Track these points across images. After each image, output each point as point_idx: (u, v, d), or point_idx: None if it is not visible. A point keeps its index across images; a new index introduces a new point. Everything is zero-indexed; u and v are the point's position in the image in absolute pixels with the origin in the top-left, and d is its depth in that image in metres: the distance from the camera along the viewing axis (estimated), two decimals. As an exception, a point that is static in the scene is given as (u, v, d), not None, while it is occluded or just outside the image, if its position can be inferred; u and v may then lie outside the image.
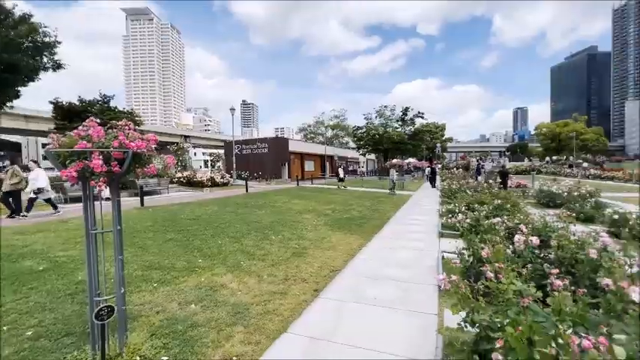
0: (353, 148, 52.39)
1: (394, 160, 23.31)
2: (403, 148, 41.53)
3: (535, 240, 4.10)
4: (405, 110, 42.78)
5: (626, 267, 3.17)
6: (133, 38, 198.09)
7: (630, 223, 6.89)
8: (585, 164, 40.95)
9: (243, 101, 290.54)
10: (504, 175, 16.47)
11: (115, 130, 2.41)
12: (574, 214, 8.10)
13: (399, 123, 43.24)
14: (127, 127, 2.44)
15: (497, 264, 2.34)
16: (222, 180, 22.61)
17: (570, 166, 41.01)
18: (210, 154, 47.68)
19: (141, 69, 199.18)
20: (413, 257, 5.79)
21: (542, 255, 4.19)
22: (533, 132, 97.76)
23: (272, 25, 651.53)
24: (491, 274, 2.30)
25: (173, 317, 3.44)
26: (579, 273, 3.39)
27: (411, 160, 40.10)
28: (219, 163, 40.32)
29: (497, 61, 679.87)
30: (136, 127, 2.76)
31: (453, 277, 2.37)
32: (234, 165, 27.58)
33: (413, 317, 3.54)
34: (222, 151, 39.54)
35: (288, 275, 4.84)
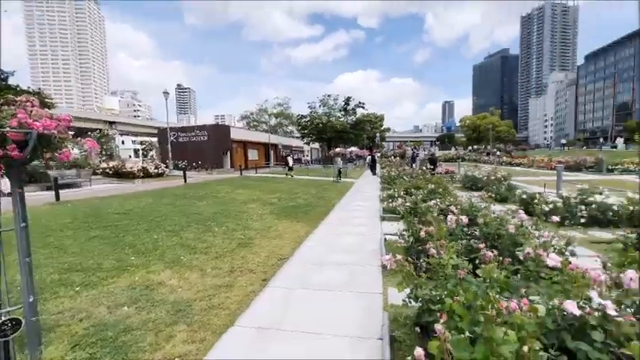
0: (297, 137, 52.34)
1: (337, 149, 23.92)
2: (346, 137, 42.73)
3: (465, 219, 4.53)
4: (347, 100, 43.89)
5: (536, 239, 3.69)
6: (38, 2, 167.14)
7: (535, 201, 8.07)
8: (498, 152, 46.82)
9: (178, 85, 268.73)
10: (434, 162, 18.28)
11: (12, 106, 1.97)
12: (492, 196, 9.22)
13: (342, 112, 44.27)
14: (29, 104, 2.01)
15: (440, 241, 2.51)
16: (156, 170, 20.78)
17: (488, 154, 46.53)
18: (142, 143, 43.24)
19: (50, 43, 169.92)
20: (357, 241, 6.01)
21: (469, 232, 4.67)
22: (458, 124, 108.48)
23: (209, 4, 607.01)
24: (434, 251, 2.46)
25: (101, 323, 3.05)
26: (501, 246, 3.84)
27: (353, 148, 41.49)
28: (153, 152, 36.90)
29: (430, 57, 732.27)
30: (46, 109, 2.29)
31: (399, 257, 2.48)
32: (170, 154, 25.52)
33: (359, 298, 3.66)
34: (155, 139, 36.19)
35: (234, 267, 4.64)
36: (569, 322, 1.80)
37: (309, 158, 55.30)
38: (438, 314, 2.01)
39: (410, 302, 2.54)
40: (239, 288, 3.93)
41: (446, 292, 2.32)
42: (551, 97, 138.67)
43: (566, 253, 3.41)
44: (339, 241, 6.09)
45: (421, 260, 2.63)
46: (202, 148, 30.10)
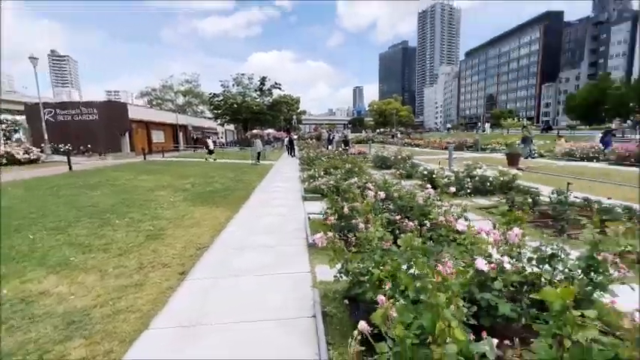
0: (210, 118, 48.57)
1: (255, 131, 23.09)
2: (262, 118, 41.55)
3: (382, 194, 4.87)
4: (263, 80, 42.39)
5: (439, 208, 4.20)
6: None
7: (434, 176, 9.26)
8: (399, 135, 52.25)
9: (53, 52, 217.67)
10: (346, 143, 19.60)
11: None
12: (401, 173, 10.21)
13: (258, 93, 42.67)
14: None
15: (367, 215, 2.60)
16: (27, 156, 16.76)
17: (392, 137, 51.45)
18: (3, 121, 33.90)
19: None
20: (280, 222, 5.94)
21: (384, 206, 5.05)
22: (367, 108, 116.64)
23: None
24: (362, 225, 2.53)
25: (-49, 356, 2.30)
26: (413, 216, 4.26)
27: (271, 130, 40.81)
28: (20, 134, 29.35)
29: (342, 42, 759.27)
30: None
31: (330, 234, 2.48)
32: (46, 136, 20.72)
33: (288, 279, 3.62)
34: (22, 118, 28.77)
35: (143, 263, 4.06)
36: (477, 278, 2.06)
37: (223, 140, 52.21)
38: (386, 285, 2.06)
39: (341, 277, 2.59)
40: (152, 285, 3.45)
41: (373, 264, 2.43)
42: (440, 87, 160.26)
43: (463, 217, 3.98)
44: (262, 223, 5.92)
45: (350, 235, 2.69)
46: (91, 128, 25.43)
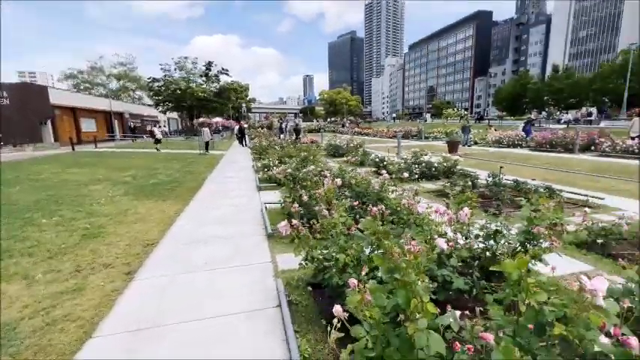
0: (149, 105, 44.59)
1: (202, 119, 21.71)
2: (209, 106, 39.31)
3: (339, 181, 4.95)
4: (209, 65, 39.88)
5: (396, 193, 4.39)
6: None
7: (385, 163, 9.66)
8: (349, 124, 53.53)
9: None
10: (298, 132, 19.65)
11: None
12: (353, 160, 10.47)
13: (203, 79, 40.11)
14: None
15: (332, 201, 2.59)
16: None
17: (343, 126, 52.50)
18: None
19: None
20: (236, 213, 5.73)
21: (340, 193, 5.14)
22: (318, 97, 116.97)
23: None
24: (326, 212, 2.52)
25: None
26: (370, 201, 4.39)
27: (218, 119, 38.83)
28: None
29: (292, 30, 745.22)
30: None
31: (295, 222, 2.44)
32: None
33: (248, 271, 3.51)
34: None
35: (80, 265, 3.62)
36: (437, 255, 2.19)
37: (166, 129, 48.50)
38: (361, 271, 2.05)
39: (306, 264, 2.57)
40: (94, 289, 3.10)
41: (337, 250, 2.45)
42: (387, 78, 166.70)
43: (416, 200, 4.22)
44: (216, 215, 5.65)
45: (313, 222, 2.67)
46: (2, 115, 21.74)
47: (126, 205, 6.20)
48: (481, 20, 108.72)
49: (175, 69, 38.76)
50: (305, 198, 4.10)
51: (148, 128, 34.42)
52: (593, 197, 5.77)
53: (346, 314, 1.41)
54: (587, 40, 74.63)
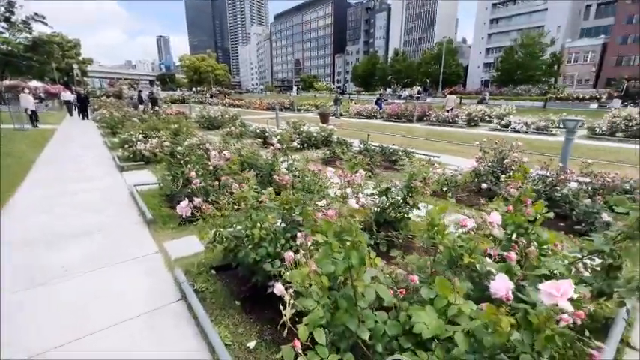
0: None
1: (9, 82, 15.53)
2: (20, 64, 28.87)
3: (227, 154, 4.60)
4: (11, 5, 28.68)
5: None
6: None
7: (266, 134, 9.55)
8: (218, 94, 50.08)
9: None
10: (155, 101, 17.36)
11: None
12: (235, 132, 9.91)
13: (3, 25, 28.80)
14: None
15: (243, 174, 2.34)
16: None
17: (211, 96, 48.53)
18: None
19: None
20: (100, 199, 4.60)
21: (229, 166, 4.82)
22: (178, 63, 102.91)
23: None
24: (236, 185, 2.28)
25: None
26: (264, 172, 4.27)
27: (38, 83, 29.17)
28: None
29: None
30: None
31: (198, 200, 2.11)
32: None
33: (135, 266, 2.92)
34: None
35: None
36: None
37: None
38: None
39: (215, 246, 2.31)
40: None
41: (249, 223, 2.29)
42: (254, 48, 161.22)
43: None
44: (75, 203, 4.40)
45: (217, 199, 2.38)
46: None
47: None
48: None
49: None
50: (192, 174, 3.61)
51: None
52: (433, 156, 7.35)
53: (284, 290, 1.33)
54: (414, 30, 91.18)
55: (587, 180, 3.99)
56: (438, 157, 7.53)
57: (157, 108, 17.57)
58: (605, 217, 3.12)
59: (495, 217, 1.36)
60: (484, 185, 4.06)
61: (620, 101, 21.84)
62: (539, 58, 37.81)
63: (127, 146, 7.10)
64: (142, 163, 6.67)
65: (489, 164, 4.79)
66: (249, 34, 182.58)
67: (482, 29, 63.99)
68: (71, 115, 18.30)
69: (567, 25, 51.72)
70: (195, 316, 2.19)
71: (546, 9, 53.85)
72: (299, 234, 2.06)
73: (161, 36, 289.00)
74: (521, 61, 38.31)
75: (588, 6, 51.87)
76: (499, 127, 14.08)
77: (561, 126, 14.01)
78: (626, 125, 11.88)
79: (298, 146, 8.51)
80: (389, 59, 70.00)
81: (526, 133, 12.63)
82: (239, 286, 2.61)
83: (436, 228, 1.46)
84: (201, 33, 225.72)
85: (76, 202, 4.53)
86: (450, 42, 55.57)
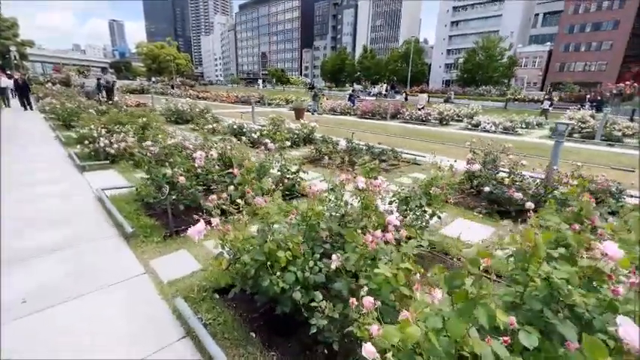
0: None
1: None
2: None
3: (214, 153, 4.16)
4: None
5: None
6: None
7: (244, 130, 9.00)
8: (181, 85, 47.32)
9: None
10: (109, 90, 15.96)
11: None
12: (209, 128, 9.22)
13: None
14: None
15: (264, 183, 1.96)
16: None
17: (173, 87, 45.68)
18: None
19: None
20: (59, 208, 3.91)
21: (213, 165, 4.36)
22: (135, 50, 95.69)
23: None
24: (261, 200, 1.89)
25: None
26: (260, 176, 3.87)
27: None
28: None
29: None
30: None
31: (215, 221, 1.71)
32: None
33: (116, 292, 2.43)
34: None
35: None
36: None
37: None
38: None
39: (236, 269, 1.91)
40: None
41: (272, 245, 1.93)
42: (217, 38, 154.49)
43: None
44: (28, 214, 3.65)
45: (235, 210, 1.99)
46: None
47: None
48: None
49: None
50: (182, 179, 3.13)
51: None
52: (419, 156, 7.31)
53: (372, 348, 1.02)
54: (380, 28, 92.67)
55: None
56: (424, 156, 7.51)
57: (115, 98, 16.00)
58: None
59: (613, 250, 1.11)
60: (486, 189, 3.99)
61: (589, 104, 23.24)
62: (498, 61, 40.18)
63: (86, 142, 6.23)
64: (107, 162, 5.89)
65: (488, 166, 4.78)
66: (212, 23, 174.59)
67: (443, 30, 66.63)
68: (7, 105, 16.04)
69: (519, 31, 55.49)
70: (210, 358, 1.80)
71: (501, 15, 57.32)
72: (334, 256, 1.77)
73: (114, 20, 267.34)
74: (482, 62, 40.46)
75: (537, 14, 56.09)
76: (469, 127, 14.59)
77: (524, 126, 14.92)
78: (580, 127, 12.86)
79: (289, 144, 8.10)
80: (357, 56, 70.55)
81: (494, 132, 13.20)
82: (249, 312, 2.25)
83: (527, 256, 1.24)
84: (159, 20, 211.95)
85: (32, 212, 3.81)
86: (417, 41, 57.28)
